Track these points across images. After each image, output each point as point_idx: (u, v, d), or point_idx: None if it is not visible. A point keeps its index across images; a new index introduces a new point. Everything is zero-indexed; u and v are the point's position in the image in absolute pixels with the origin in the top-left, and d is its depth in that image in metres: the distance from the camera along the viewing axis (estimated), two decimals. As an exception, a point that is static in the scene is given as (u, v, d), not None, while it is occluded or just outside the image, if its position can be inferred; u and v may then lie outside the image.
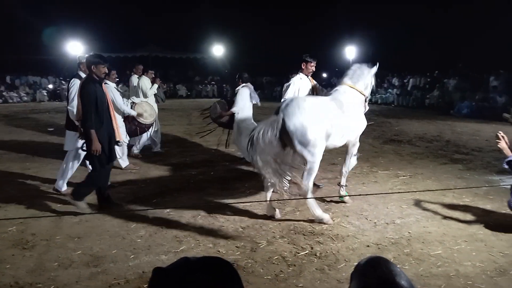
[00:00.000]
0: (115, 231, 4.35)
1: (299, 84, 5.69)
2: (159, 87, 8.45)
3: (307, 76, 5.79)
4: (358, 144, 5.23)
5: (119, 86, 9.93)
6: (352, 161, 5.30)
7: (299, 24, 27.52)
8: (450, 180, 6.49)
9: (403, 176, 6.69)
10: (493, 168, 7.24)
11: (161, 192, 5.78)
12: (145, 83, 8.10)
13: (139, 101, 7.48)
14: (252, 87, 7.35)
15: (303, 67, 5.76)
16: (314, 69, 5.82)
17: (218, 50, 28.62)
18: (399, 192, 5.68)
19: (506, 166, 4.32)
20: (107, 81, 6.29)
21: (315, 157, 4.45)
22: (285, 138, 4.42)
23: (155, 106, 8.00)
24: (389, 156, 8.25)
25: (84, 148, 4.92)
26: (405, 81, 22.95)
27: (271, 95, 26.58)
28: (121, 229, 4.39)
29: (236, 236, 4.25)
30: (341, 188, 5.31)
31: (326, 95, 5.31)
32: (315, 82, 5.93)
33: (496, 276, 3.41)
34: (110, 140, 4.92)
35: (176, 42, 27.63)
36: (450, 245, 4.02)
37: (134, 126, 7.00)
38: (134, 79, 8.35)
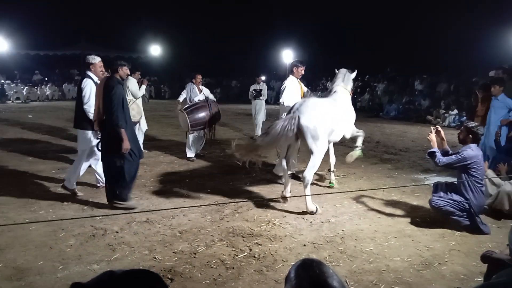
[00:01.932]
0: (42, 240, 4.07)
1: (292, 86, 6.28)
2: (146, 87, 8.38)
3: (298, 79, 6.42)
4: (355, 132, 6.02)
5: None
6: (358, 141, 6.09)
7: (237, 27, 27.63)
8: (380, 179, 6.85)
9: (337, 176, 6.92)
10: (419, 167, 7.74)
11: (92, 197, 5.50)
12: (134, 84, 7.89)
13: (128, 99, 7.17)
14: (189, 86, 8.32)
15: (294, 71, 6.40)
16: (303, 73, 6.51)
17: (155, 50, 27.90)
18: (333, 192, 5.88)
19: (428, 157, 4.73)
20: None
21: (320, 151, 5.13)
22: (299, 133, 5.08)
23: (141, 106, 7.87)
24: (323, 157, 8.50)
25: (100, 148, 5.09)
26: (338, 84, 23.91)
27: (209, 96, 26.35)
28: (48, 239, 4.11)
29: (173, 241, 4.15)
30: (331, 173, 6.24)
31: (325, 96, 6.02)
32: (304, 88, 6.59)
33: (422, 269, 3.63)
34: (135, 137, 5.19)
35: (110, 40, 26.48)
36: (380, 241, 4.23)
37: None
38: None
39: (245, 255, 3.86)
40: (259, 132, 10.91)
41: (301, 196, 5.66)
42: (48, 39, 24.28)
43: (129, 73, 5.51)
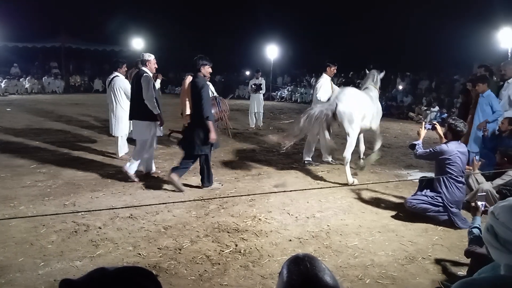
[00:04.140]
0: (22, 237, 3.97)
1: (326, 83, 7.25)
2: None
3: (330, 77, 7.42)
4: (378, 131, 6.93)
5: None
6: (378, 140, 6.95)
7: (221, 21, 27.42)
8: (364, 174, 6.90)
9: (322, 171, 6.97)
10: (402, 163, 7.84)
11: (74, 192, 5.40)
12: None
13: None
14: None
15: (327, 70, 7.37)
16: (335, 71, 7.55)
17: (138, 44, 27.42)
18: (318, 188, 5.90)
19: (409, 148, 5.14)
20: (119, 74, 7.32)
21: (355, 133, 6.05)
22: (336, 117, 5.96)
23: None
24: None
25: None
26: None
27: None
28: (29, 235, 4.01)
29: (158, 237, 4.10)
30: (361, 160, 7.04)
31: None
32: (334, 85, 7.52)
33: (406, 263, 3.68)
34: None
35: (91, 32, 25.89)
36: (365, 236, 4.26)
37: None
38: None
39: (230, 251, 3.84)
40: (259, 124, 11.95)
41: (285, 191, 5.69)
42: (27, 31, 23.57)
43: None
